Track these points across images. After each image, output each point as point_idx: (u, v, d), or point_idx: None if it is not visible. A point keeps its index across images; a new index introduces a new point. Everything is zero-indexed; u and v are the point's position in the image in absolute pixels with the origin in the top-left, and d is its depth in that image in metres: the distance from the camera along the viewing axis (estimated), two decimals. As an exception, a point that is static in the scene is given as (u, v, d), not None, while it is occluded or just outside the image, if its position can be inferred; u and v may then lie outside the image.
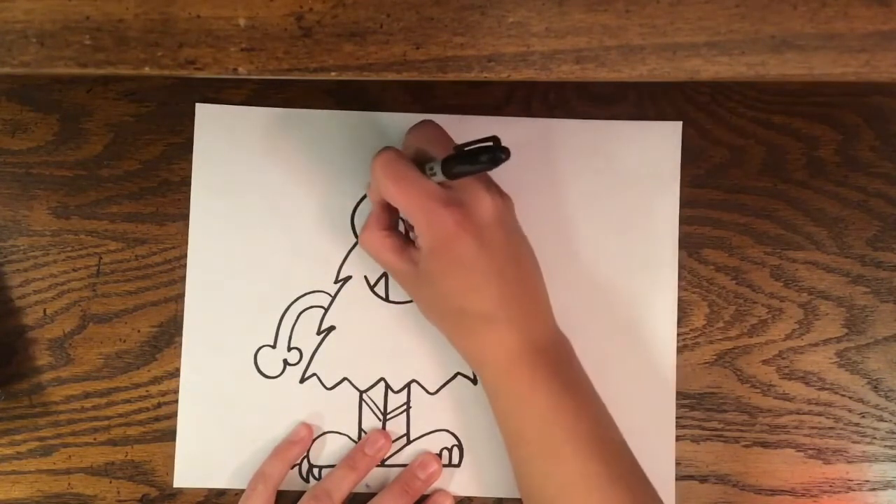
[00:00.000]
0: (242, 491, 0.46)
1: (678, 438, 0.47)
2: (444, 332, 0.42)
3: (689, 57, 0.30)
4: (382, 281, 0.47)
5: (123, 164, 0.47)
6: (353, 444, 0.47)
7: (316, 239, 0.47)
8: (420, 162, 0.40)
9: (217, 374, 0.47)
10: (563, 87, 0.47)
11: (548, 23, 0.29)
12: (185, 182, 0.47)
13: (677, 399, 0.47)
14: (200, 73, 0.29)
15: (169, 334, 0.47)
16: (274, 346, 0.47)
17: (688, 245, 0.47)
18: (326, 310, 0.47)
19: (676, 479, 0.46)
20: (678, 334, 0.47)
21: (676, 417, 0.47)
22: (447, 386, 0.47)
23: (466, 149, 0.38)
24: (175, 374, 0.47)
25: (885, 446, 0.47)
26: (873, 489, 0.47)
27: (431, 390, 0.47)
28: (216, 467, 0.46)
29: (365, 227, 0.43)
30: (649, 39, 0.29)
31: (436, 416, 0.47)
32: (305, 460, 0.47)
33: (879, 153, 0.48)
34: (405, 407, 0.47)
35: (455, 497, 0.47)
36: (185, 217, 0.47)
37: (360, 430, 0.47)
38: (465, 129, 0.46)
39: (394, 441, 0.47)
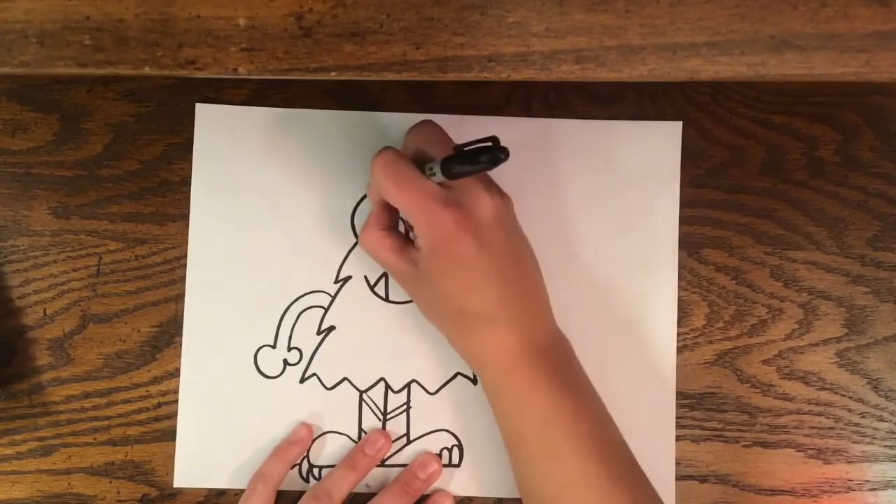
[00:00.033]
0: (242, 491, 0.46)
1: (678, 438, 0.47)
2: (444, 332, 0.42)
3: (689, 57, 0.30)
4: (382, 281, 0.47)
5: (123, 164, 0.47)
6: (353, 444, 0.47)
7: (316, 239, 0.47)
8: (420, 162, 0.40)
9: (217, 374, 0.47)
10: (563, 87, 0.47)
11: (548, 23, 0.29)
12: (185, 182, 0.47)
13: (677, 399, 0.47)
14: (200, 73, 0.29)
15: (169, 334, 0.47)
16: (274, 346, 0.47)
17: (688, 245, 0.47)
18: (326, 310, 0.47)
19: (676, 479, 0.46)
20: (678, 334, 0.47)
21: (676, 417, 0.47)
22: (447, 386, 0.47)
23: (466, 149, 0.38)
24: (175, 374, 0.47)
25: (885, 446, 0.47)
26: (873, 489, 0.47)
27: (431, 390, 0.47)
28: (216, 467, 0.46)
29: (365, 227, 0.43)
30: (649, 39, 0.29)
31: (436, 416, 0.47)
32: (305, 460, 0.47)
33: (879, 153, 0.48)
34: (405, 407, 0.47)
35: (455, 497, 0.47)
36: (185, 217, 0.47)
37: (360, 430, 0.47)
38: (465, 129, 0.46)
39: (394, 441, 0.47)
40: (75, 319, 0.47)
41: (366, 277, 0.47)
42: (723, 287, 0.47)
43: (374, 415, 0.47)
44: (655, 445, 0.46)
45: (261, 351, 0.47)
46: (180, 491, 0.47)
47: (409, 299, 0.46)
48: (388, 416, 0.47)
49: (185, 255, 0.47)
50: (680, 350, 0.47)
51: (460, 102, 0.47)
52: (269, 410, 0.47)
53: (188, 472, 0.46)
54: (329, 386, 0.47)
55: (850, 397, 0.47)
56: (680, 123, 0.47)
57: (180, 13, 0.29)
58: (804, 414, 0.47)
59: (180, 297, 0.47)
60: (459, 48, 0.30)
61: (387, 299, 0.47)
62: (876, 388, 0.47)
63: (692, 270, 0.47)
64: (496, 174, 0.40)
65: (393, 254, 0.42)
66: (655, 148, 0.47)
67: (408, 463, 0.47)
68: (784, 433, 0.47)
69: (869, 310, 0.47)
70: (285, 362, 0.47)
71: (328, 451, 0.47)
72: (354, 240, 0.47)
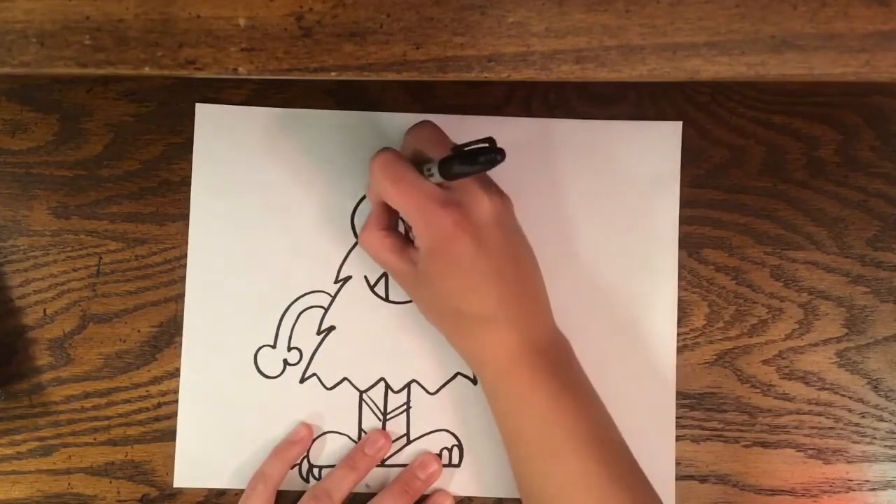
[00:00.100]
0: (242, 491, 0.46)
1: (678, 438, 0.47)
2: (444, 332, 0.42)
3: (689, 57, 0.30)
4: (382, 281, 0.47)
5: (123, 164, 0.47)
6: (353, 444, 0.47)
7: (316, 239, 0.47)
8: (418, 163, 0.40)
9: (217, 374, 0.47)
10: (563, 87, 0.47)
11: (548, 23, 0.29)
12: (185, 182, 0.47)
13: (677, 399, 0.47)
14: (200, 73, 0.29)
15: (169, 334, 0.47)
16: (274, 346, 0.47)
17: (688, 245, 0.47)
18: (326, 310, 0.47)
19: (676, 479, 0.46)
20: (678, 334, 0.47)
21: (676, 417, 0.47)
22: (447, 386, 0.47)
23: (463, 150, 0.38)
24: (175, 374, 0.47)
25: (885, 446, 0.47)
26: (873, 489, 0.47)
27: (431, 390, 0.47)
28: (216, 467, 0.46)
29: (364, 227, 0.43)
30: (649, 39, 0.29)
31: (436, 416, 0.47)
32: (305, 460, 0.47)
33: (879, 153, 0.48)
34: (405, 407, 0.47)
35: (455, 497, 0.47)
36: (185, 217, 0.47)
37: (360, 430, 0.47)
38: (465, 129, 0.46)
39: (394, 441, 0.47)
40: (75, 319, 0.47)
41: (366, 277, 0.47)
42: (723, 287, 0.47)
43: (374, 415, 0.47)
44: (655, 445, 0.46)
45: (261, 351, 0.47)
46: (180, 491, 0.47)
47: (409, 299, 0.46)
48: (388, 416, 0.47)
49: (185, 255, 0.47)
50: (680, 350, 0.47)
51: (460, 102, 0.47)
52: (269, 410, 0.47)
53: (188, 472, 0.46)
54: (329, 386, 0.47)
55: (850, 397, 0.47)
56: (680, 123, 0.47)
57: (180, 13, 0.29)
58: (804, 414, 0.47)
59: (180, 297, 0.47)
60: (459, 48, 0.30)
61: (387, 299, 0.47)
62: (876, 388, 0.47)
63: (692, 270, 0.47)
64: (496, 174, 0.40)
65: (392, 254, 0.42)
66: (655, 148, 0.47)
67: (408, 463, 0.47)
68: (784, 433, 0.47)
69: (869, 310, 0.47)
70: (285, 362, 0.47)
71: (328, 451, 0.47)
72: (354, 240, 0.47)
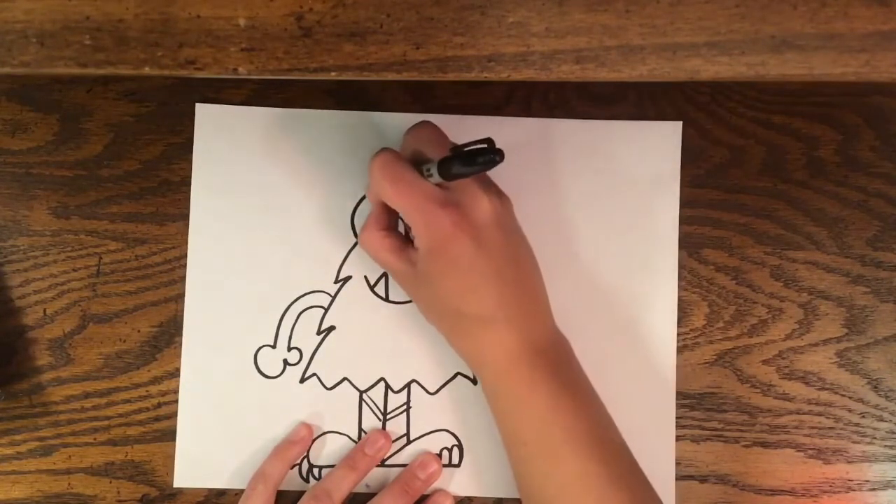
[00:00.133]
0: (242, 491, 0.46)
1: (678, 438, 0.47)
2: (443, 332, 0.42)
3: (689, 57, 0.30)
4: (382, 281, 0.47)
5: (123, 164, 0.47)
6: (353, 444, 0.47)
7: (316, 239, 0.47)
8: (417, 163, 0.40)
9: (217, 374, 0.47)
10: (563, 87, 0.47)
11: (548, 23, 0.29)
12: (185, 182, 0.47)
13: (677, 399, 0.47)
14: (200, 73, 0.29)
15: (169, 334, 0.47)
16: (274, 346, 0.47)
17: (688, 245, 0.47)
18: (326, 310, 0.47)
19: (676, 479, 0.46)
20: (678, 334, 0.47)
21: (676, 417, 0.47)
22: (447, 386, 0.47)
23: (462, 151, 0.38)
24: (175, 374, 0.47)
25: (885, 446, 0.47)
26: (873, 489, 0.47)
27: (431, 390, 0.47)
28: (216, 467, 0.46)
29: (364, 228, 0.43)
30: (649, 39, 0.29)
31: (436, 416, 0.47)
32: (305, 460, 0.47)
33: (879, 153, 0.48)
34: (405, 407, 0.47)
35: (455, 497, 0.47)
36: (185, 217, 0.47)
37: (360, 430, 0.47)
38: (465, 129, 0.46)
39: (394, 441, 0.47)
40: (75, 319, 0.47)
41: (366, 277, 0.47)
42: (723, 287, 0.47)
43: (374, 415, 0.47)
44: (655, 445, 0.46)
45: (261, 351, 0.47)
46: (180, 491, 0.47)
47: (408, 299, 0.46)
48: (388, 416, 0.47)
49: (185, 255, 0.47)
50: (680, 350, 0.47)
51: (460, 102, 0.47)
52: (269, 410, 0.47)
53: (188, 472, 0.46)
54: (329, 386, 0.47)
55: (850, 397, 0.47)
56: (680, 123, 0.47)
57: (180, 13, 0.29)
58: (804, 414, 0.47)
59: (180, 297, 0.47)
60: (459, 48, 0.30)
61: (387, 299, 0.47)
62: (876, 388, 0.47)
63: (692, 270, 0.47)
64: (496, 174, 0.40)
65: (392, 254, 0.42)
66: (655, 148, 0.47)
67: (408, 463, 0.47)
68: (784, 433, 0.47)
69: (869, 310, 0.47)
70: (285, 362, 0.47)
71: (328, 451, 0.47)
72: (354, 240, 0.47)
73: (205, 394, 0.47)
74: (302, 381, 0.47)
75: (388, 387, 0.47)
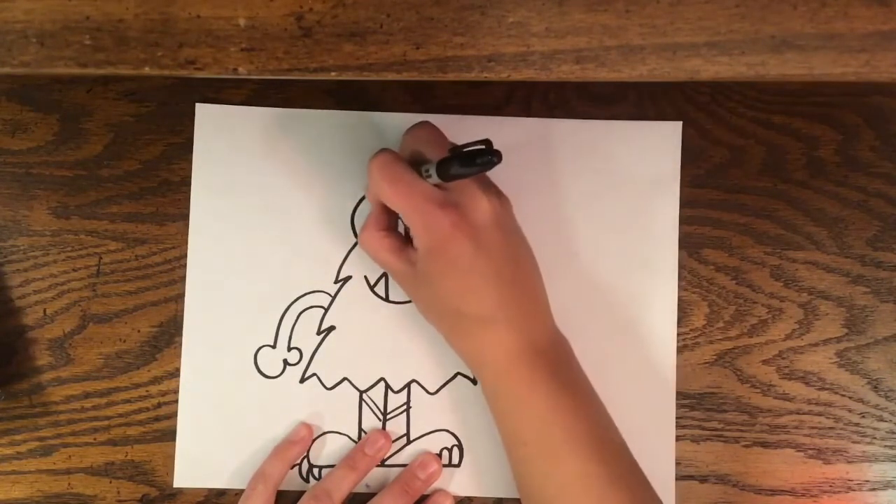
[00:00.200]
0: (242, 491, 0.46)
1: (678, 438, 0.47)
2: (443, 332, 0.42)
3: (689, 57, 0.30)
4: (382, 281, 0.47)
5: (123, 164, 0.47)
6: (353, 444, 0.47)
7: (316, 239, 0.47)
8: (416, 163, 0.40)
9: (217, 374, 0.47)
10: (563, 87, 0.47)
11: (548, 23, 0.29)
12: (185, 182, 0.47)
13: (677, 399, 0.47)
14: (200, 73, 0.29)
15: (169, 334, 0.47)
16: (274, 346, 0.47)
17: (688, 245, 0.47)
18: (326, 310, 0.47)
19: (676, 479, 0.46)
20: (678, 334, 0.47)
21: (676, 417, 0.47)
22: (447, 386, 0.47)
23: (460, 152, 0.38)
24: (175, 374, 0.47)
25: (885, 446, 0.47)
26: (873, 489, 0.47)
27: (431, 390, 0.47)
28: (216, 467, 0.46)
29: (364, 228, 0.43)
30: (649, 39, 0.29)
31: (436, 416, 0.47)
32: (305, 460, 0.47)
33: (879, 153, 0.48)
34: (405, 407, 0.47)
35: (455, 497, 0.47)
36: (185, 217, 0.47)
37: (360, 430, 0.47)
38: (465, 129, 0.46)
39: (394, 441, 0.47)
40: (75, 319, 0.47)
41: (366, 277, 0.47)
42: (723, 287, 0.47)
43: (374, 415, 0.47)
44: (655, 445, 0.46)
45: (261, 351, 0.47)
46: (180, 491, 0.47)
47: (408, 299, 0.46)
48: (388, 416, 0.47)
49: (185, 255, 0.47)
50: (680, 350, 0.47)
51: (460, 102, 0.47)
52: (269, 410, 0.47)
53: (188, 472, 0.46)
54: (329, 386, 0.47)
55: (850, 397, 0.47)
56: (680, 123, 0.47)
57: (180, 13, 0.29)
58: (804, 414, 0.47)
59: (180, 297, 0.47)
60: (459, 48, 0.30)
61: (387, 299, 0.47)
62: (876, 388, 0.47)
63: (692, 270, 0.47)
64: (496, 175, 0.40)
65: (391, 254, 0.42)
66: (655, 148, 0.47)
67: (408, 463, 0.47)
68: (784, 433, 0.47)
69: (869, 310, 0.47)
70: (285, 362, 0.47)
71: (328, 451, 0.47)
72: (354, 240, 0.47)
73: (205, 394, 0.47)
74: (302, 381, 0.47)
75: (388, 387, 0.47)
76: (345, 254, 0.47)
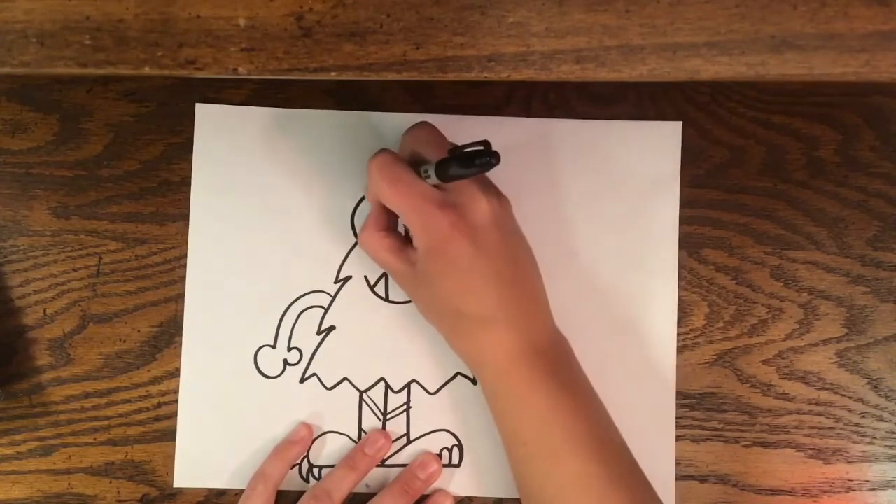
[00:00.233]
0: (242, 491, 0.46)
1: (678, 438, 0.47)
2: (443, 332, 0.42)
3: (689, 57, 0.30)
4: (382, 281, 0.47)
5: (123, 164, 0.47)
6: (353, 444, 0.47)
7: (316, 239, 0.47)
8: (416, 164, 0.40)
9: (217, 374, 0.47)
10: (563, 87, 0.47)
11: (548, 23, 0.29)
12: (185, 182, 0.47)
13: (677, 399, 0.47)
14: (200, 73, 0.29)
15: (169, 334, 0.47)
16: (274, 346, 0.47)
17: (688, 245, 0.47)
18: (326, 310, 0.47)
19: (676, 479, 0.46)
20: (678, 334, 0.47)
21: (676, 417, 0.47)
22: (447, 386, 0.47)
23: (459, 152, 0.38)
24: (175, 374, 0.47)
25: (885, 446, 0.47)
26: (873, 489, 0.47)
27: (431, 390, 0.47)
28: (216, 467, 0.46)
29: (364, 228, 0.43)
30: (649, 39, 0.29)
31: (436, 416, 0.47)
32: (305, 460, 0.47)
33: (879, 153, 0.48)
34: (405, 407, 0.47)
35: (455, 497, 0.47)
36: (185, 217, 0.47)
37: (360, 430, 0.47)
38: (465, 129, 0.46)
39: (394, 441, 0.47)
40: (75, 319, 0.47)
41: (366, 277, 0.47)
42: (723, 287, 0.47)
43: (374, 415, 0.47)
44: (655, 445, 0.46)
45: (261, 351, 0.47)
46: (180, 491, 0.47)
47: (408, 299, 0.46)
48: (388, 416, 0.47)
49: (185, 255, 0.47)
50: (680, 350, 0.47)
51: (460, 102, 0.47)
52: (269, 410, 0.47)
53: (188, 472, 0.46)
54: (329, 386, 0.47)
55: (850, 397, 0.47)
56: (680, 123, 0.47)
57: (180, 13, 0.29)
58: (804, 414, 0.47)
59: (180, 297, 0.47)
60: (459, 48, 0.30)
61: (387, 299, 0.47)
62: (876, 388, 0.47)
63: (692, 270, 0.47)
64: (496, 175, 0.40)
65: (391, 254, 0.42)
66: (655, 148, 0.47)
67: (408, 463, 0.47)
68: (784, 433, 0.47)
69: (869, 310, 0.47)
70: (285, 362, 0.47)
71: (328, 451, 0.47)
72: (354, 240, 0.47)
73: (205, 394, 0.47)
74: (302, 381, 0.47)
75: (388, 387, 0.47)
76: (345, 254, 0.47)
